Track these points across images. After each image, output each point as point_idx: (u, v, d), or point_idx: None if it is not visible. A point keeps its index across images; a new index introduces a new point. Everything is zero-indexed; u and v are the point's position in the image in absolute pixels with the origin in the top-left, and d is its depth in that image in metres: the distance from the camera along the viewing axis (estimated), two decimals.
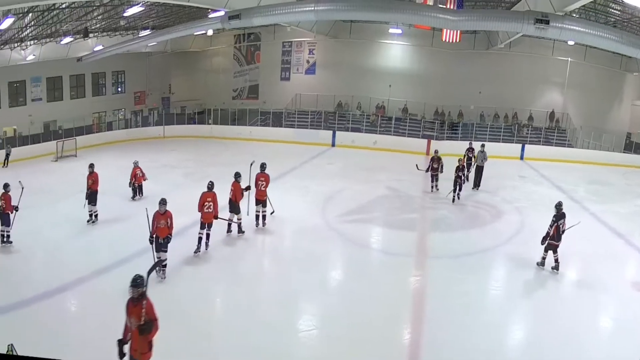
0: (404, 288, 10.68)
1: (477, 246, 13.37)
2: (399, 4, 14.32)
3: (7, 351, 5.99)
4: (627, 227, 15.17)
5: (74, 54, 26.71)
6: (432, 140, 27.29)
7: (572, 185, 20.85)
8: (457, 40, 25.04)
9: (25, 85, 27.32)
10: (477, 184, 19.06)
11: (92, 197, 13.80)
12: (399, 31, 31.13)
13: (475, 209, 17.12)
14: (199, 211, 11.73)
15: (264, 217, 13.80)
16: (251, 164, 13.62)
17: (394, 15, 14.76)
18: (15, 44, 23.42)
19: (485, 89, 29.70)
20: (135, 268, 7.19)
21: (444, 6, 15.99)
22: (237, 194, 12.80)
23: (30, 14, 20.00)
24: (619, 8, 20.33)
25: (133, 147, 26.53)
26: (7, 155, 22.39)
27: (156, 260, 9.94)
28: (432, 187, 18.44)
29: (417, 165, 19.24)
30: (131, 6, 20.89)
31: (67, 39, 24.70)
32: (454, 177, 17.14)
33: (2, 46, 22.68)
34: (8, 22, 18.62)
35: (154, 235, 10.14)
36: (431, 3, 16.38)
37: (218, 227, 12.51)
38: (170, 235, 10.25)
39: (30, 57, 25.42)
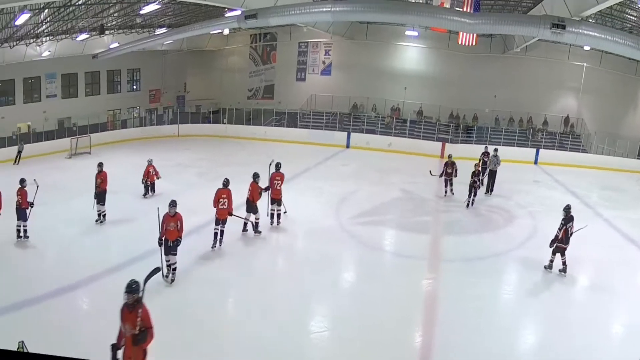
0: (416, 291, 10.66)
1: (490, 250, 13.34)
2: (415, 6, 14.32)
3: (18, 348, 5.97)
4: None
5: (90, 50, 26.88)
6: (446, 144, 27.14)
7: (585, 191, 20.68)
8: (474, 44, 25.00)
9: (40, 82, 27.40)
10: (489, 189, 18.87)
11: (100, 196, 13.67)
12: (415, 33, 31.09)
13: (489, 213, 17.03)
14: (214, 207, 11.83)
15: (278, 215, 13.91)
16: (270, 164, 13.85)
17: (411, 17, 14.69)
18: (31, 40, 23.44)
19: (501, 93, 29.43)
20: (147, 266, 7.19)
21: (461, 9, 15.96)
22: (254, 194, 12.84)
23: (46, 10, 20.06)
24: (635, 14, 20.20)
25: (147, 145, 26.67)
26: (19, 152, 22.38)
27: (165, 263, 9.98)
28: (445, 191, 18.29)
29: (430, 171, 19.09)
30: (148, 4, 20.97)
31: (83, 36, 24.82)
32: (469, 182, 17.00)
33: (17, 42, 22.77)
34: (24, 17, 18.65)
35: (163, 238, 10.04)
36: (448, 6, 16.39)
37: (234, 226, 12.57)
38: (180, 238, 10.13)
39: (46, 53, 25.55)
